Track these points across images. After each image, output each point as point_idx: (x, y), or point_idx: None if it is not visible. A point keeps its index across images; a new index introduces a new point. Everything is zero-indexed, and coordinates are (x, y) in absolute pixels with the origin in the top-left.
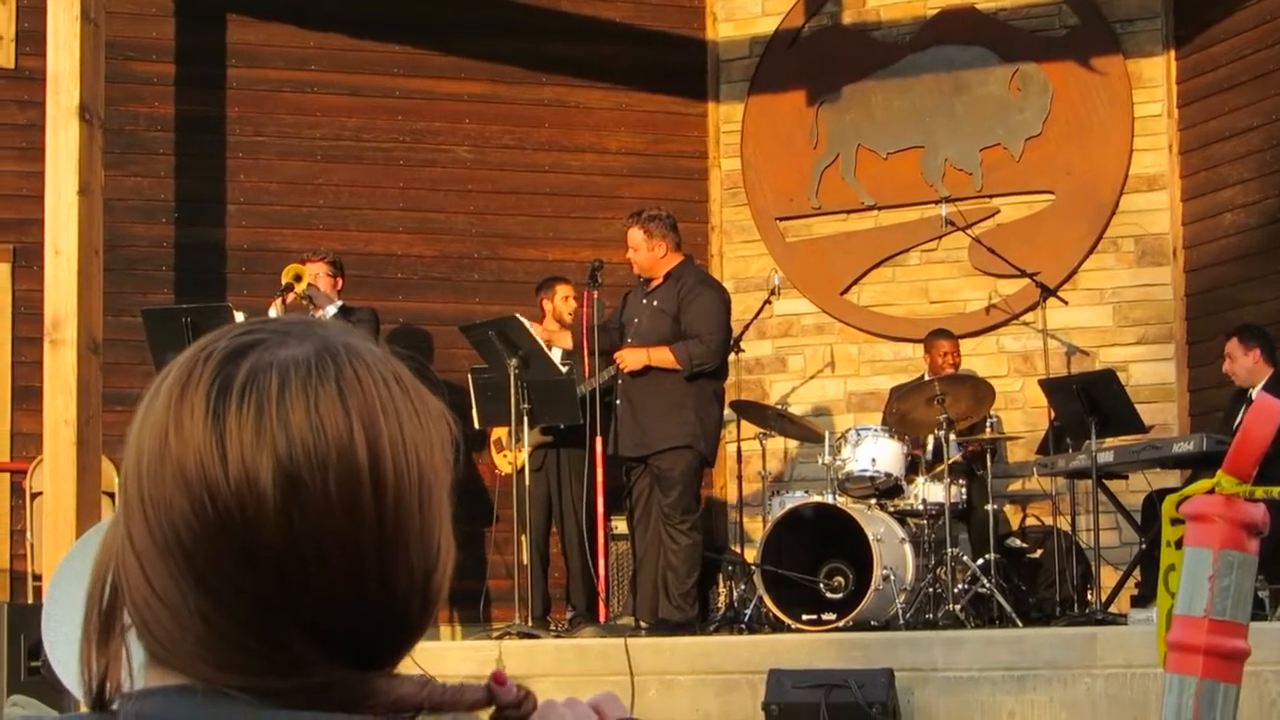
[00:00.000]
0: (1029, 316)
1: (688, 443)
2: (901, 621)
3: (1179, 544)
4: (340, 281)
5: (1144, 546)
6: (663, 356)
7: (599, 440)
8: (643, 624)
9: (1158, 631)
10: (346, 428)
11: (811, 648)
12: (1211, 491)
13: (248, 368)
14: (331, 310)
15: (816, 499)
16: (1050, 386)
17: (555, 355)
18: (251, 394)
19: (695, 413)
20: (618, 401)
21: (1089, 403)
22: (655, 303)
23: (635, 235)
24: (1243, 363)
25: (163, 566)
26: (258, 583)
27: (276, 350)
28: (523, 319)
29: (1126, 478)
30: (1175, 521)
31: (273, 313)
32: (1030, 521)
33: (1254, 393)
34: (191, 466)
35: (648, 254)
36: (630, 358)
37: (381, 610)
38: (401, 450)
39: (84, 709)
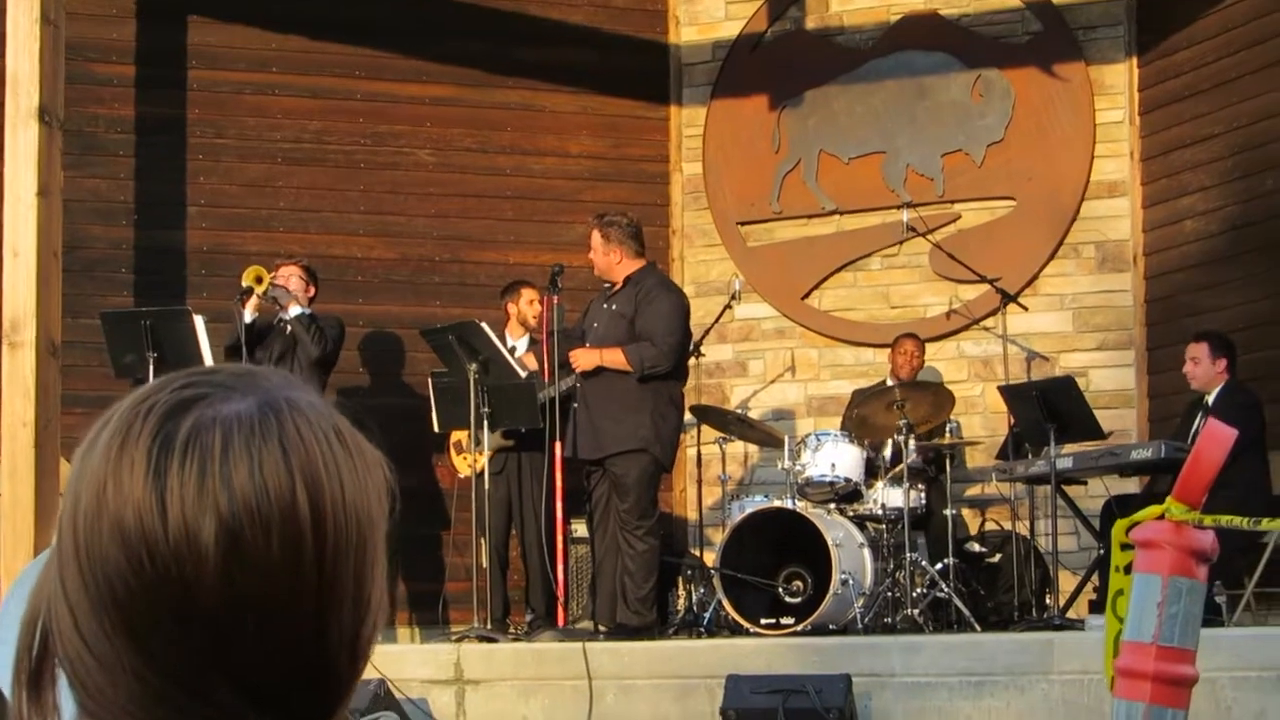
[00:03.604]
0: (989, 322)
1: (642, 446)
2: (860, 626)
3: (1128, 569)
4: (313, 289)
5: (1102, 552)
6: (615, 358)
7: (558, 445)
8: (601, 628)
9: (1105, 656)
10: (289, 487)
11: (770, 653)
12: (1161, 518)
13: (190, 424)
14: (296, 312)
15: (776, 503)
16: (1010, 393)
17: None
18: (194, 452)
19: (650, 416)
20: (574, 405)
21: (1048, 409)
22: (614, 306)
23: (594, 237)
24: (1207, 368)
25: (95, 620)
26: (192, 641)
27: (219, 406)
28: (482, 324)
29: (1085, 483)
30: (1125, 546)
31: (248, 316)
32: (989, 526)
33: (1209, 398)
34: (130, 523)
35: (603, 258)
36: (583, 358)
37: (314, 667)
38: (341, 508)
39: None
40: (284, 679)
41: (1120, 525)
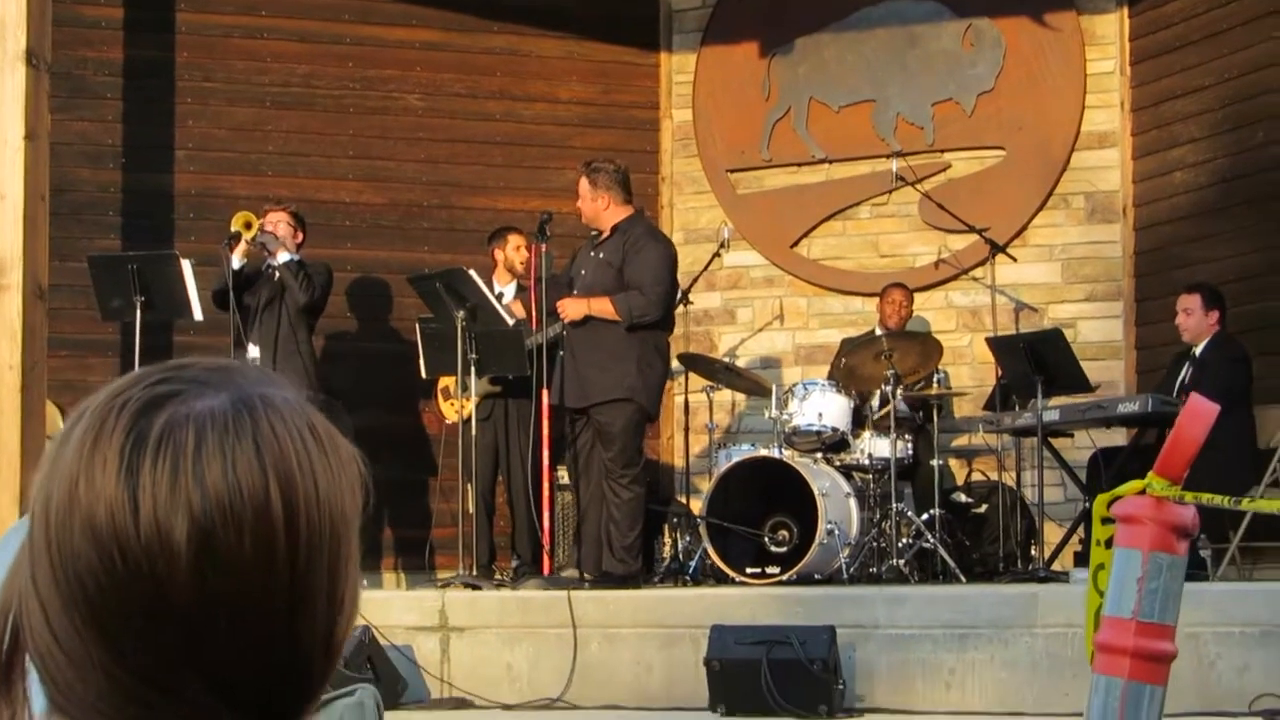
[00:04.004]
0: (978, 272)
1: (627, 395)
2: (845, 576)
3: (1109, 543)
4: (301, 235)
5: (1088, 505)
6: (603, 307)
7: (545, 392)
8: (586, 576)
9: (1086, 630)
10: (263, 486)
11: (754, 603)
12: (1142, 493)
13: (163, 421)
14: (284, 258)
15: (763, 453)
16: (997, 345)
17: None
18: (167, 449)
19: (636, 365)
20: (561, 353)
21: (1036, 361)
22: (601, 255)
23: (582, 185)
24: (1199, 320)
25: (66, 617)
26: (164, 639)
27: (193, 402)
28: (470, 271)
29: (1072, 435)
30: (1106, 520)
31: (237, 262)
32: (976, 476)
33: (1197, 350)
34: (102, 520)
35: (591, 204)
36: (571, 308)
37: (287, 665)
38: (315, 506)
39: None
40: (257, 676)
41: (1101, 499)
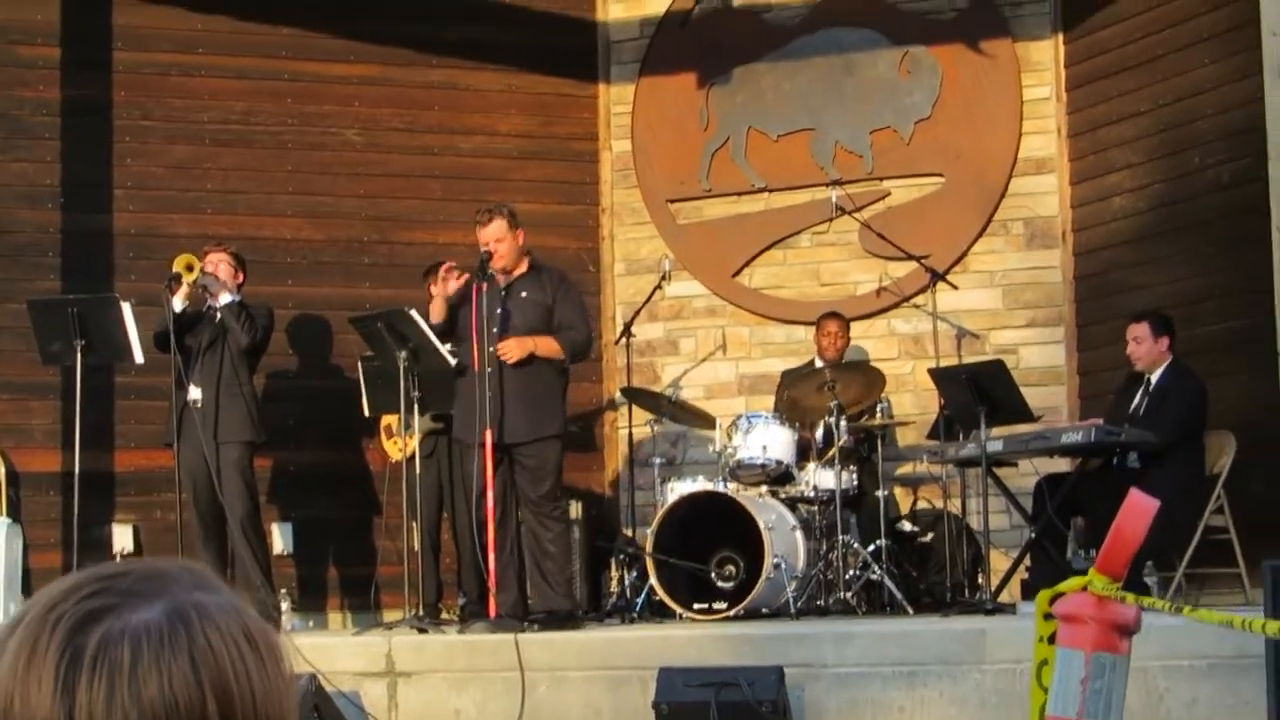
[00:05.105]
0: (919, 299)
1: (557, 432)
2: (792, 610)
3: (1052, 639)
4: (242, 276)
5: (1034, 535)
6: (549, 346)
7: (488, 433)
8: (531, 617)
9: None
10: (200, 701)
11: (702, 643)
12: (1084, 590)
13: (99, 637)
14: (226, 299)
15: (708, 487)
16: (940, 376)
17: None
18: (103, 667)
19: (560, 402)
20: (489, 393)
21: (978, 392)
22: (524, 294)
23: (499, 227)
24: (1150, 348)
25: None
26: None
27: (128, 616)
28: (411, 311)
29: (1016, 464)
30: (1049, 616)
31: (178, 304)
32: (921, 504)
33: (1152, 377)
34: None
35: (513, 244)
36: (516, 349)
37: None
38: (253, 716)
39: None
40: None
41: (1044, 596)
